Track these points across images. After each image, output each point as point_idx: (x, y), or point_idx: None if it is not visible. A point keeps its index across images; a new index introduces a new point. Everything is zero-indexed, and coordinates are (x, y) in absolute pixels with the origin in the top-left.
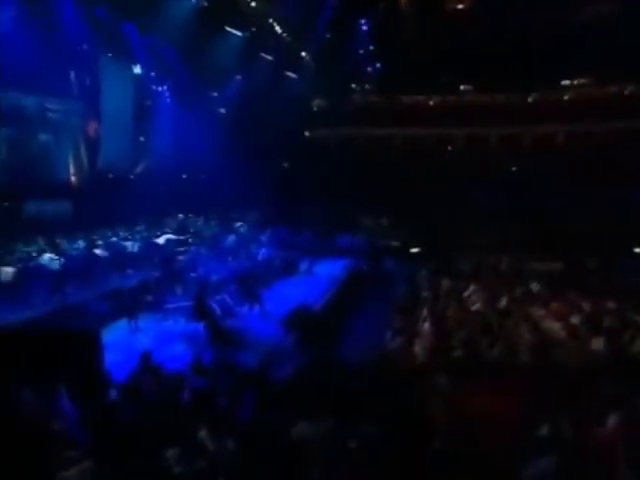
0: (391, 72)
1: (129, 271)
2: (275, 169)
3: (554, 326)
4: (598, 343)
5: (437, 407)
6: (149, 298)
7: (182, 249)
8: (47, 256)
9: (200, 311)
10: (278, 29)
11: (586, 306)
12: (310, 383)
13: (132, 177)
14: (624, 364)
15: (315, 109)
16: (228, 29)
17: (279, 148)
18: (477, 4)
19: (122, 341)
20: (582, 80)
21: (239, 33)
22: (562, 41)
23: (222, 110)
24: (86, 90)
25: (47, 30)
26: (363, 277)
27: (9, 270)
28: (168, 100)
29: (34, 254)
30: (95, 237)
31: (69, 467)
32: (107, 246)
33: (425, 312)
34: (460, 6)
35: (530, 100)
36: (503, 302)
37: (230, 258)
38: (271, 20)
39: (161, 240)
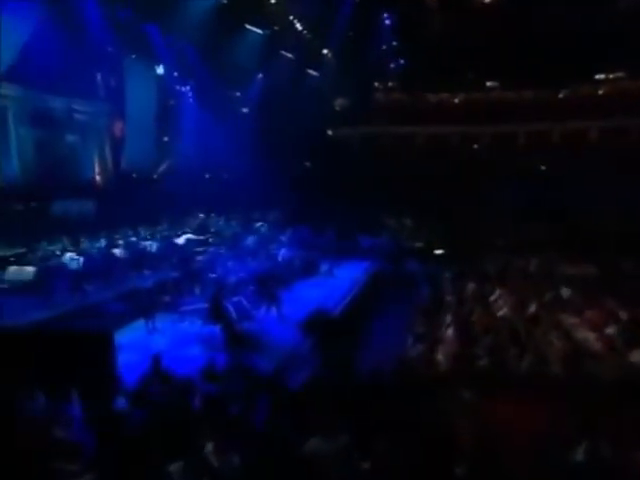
0: (415, 68)
1: (146, 272)
2: (297, 168)
3: (588, 336)
4: (637, 356)
5: (460, 422)
6: (166, 299)
7: (202, 249)
8: (68, 255)
9: (216, 313)
10: (299, 26)
11: (623, 315)
12: (325, 393)
13: (155, 177)
14: None
15: (337, 108)
16: (248, 27)
17: (301, 147)
18: None
19: (139, 342)
20: (617, 74)
21: (259, 31)
22: (596, 34)
23: (244, 109)
24: (111, 91)
25: (73, 33)
26: (385, 279)
27: (30, 269)
28: (191, 100)
29: (58, 253)
30: (116, 237)
31: None
32: (127, 246)
33: (449, 317)
34: (487, 0)
35: (561, 96)
36: (532, 308)
37: (250, 258)
38: (291, 17)
39: (181, 240)
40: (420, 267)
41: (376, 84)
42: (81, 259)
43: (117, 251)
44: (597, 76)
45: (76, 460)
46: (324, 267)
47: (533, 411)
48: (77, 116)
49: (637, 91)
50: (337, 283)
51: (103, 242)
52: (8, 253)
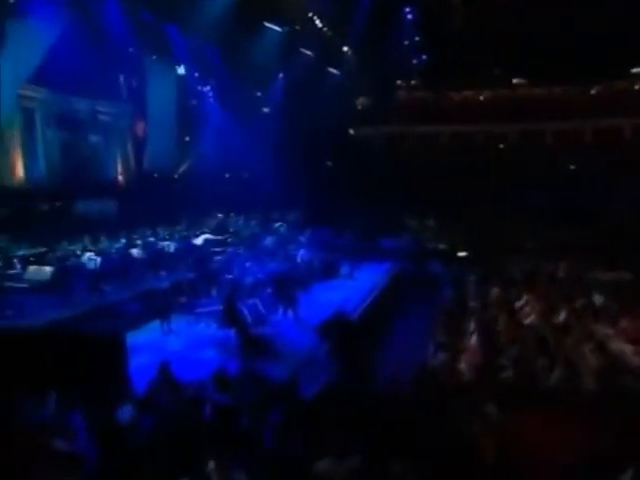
0: (438, 65)
1: (162, 272)
2: (318, 168)
3: (624, 348)
4: None
5: (484, 440)
6: (182, 300)
7: (219, 249)
8: (87, 255)
9: (230, 317)
10: (318, 23)
11: None
12: (340, 406)
13: (176, 177)
14: None
15: (359, 107)
16: (267, 25)
17: (322, 147)
18: None
19: (153, 343)
20: None
21: (278, 29)
22: (631, 25)
23: (265, 109)
24: (133, 92)
25: (96, 36)
26: (406, 282)
27: (47, 269)
28: (211, 100)
29: (78, 252)
30: (134, 237)
31: None
32: (144, 246)
33: (472, 324)
34: None
35: (593, 92)
36: (561, 316)
37: (268, 259)
38: (311, 14)
39: (199, 240)
40: (443, 270)
41: (398, 82)
42: (98, 259)
43: (134, 251)
44: (634, 70)
45: (76, 474)
46: (344, 269)
47: (563, 429)
48: (100, 117)
49: None
50: (357, 285)
51: (122, 242)
52: (30, 252)
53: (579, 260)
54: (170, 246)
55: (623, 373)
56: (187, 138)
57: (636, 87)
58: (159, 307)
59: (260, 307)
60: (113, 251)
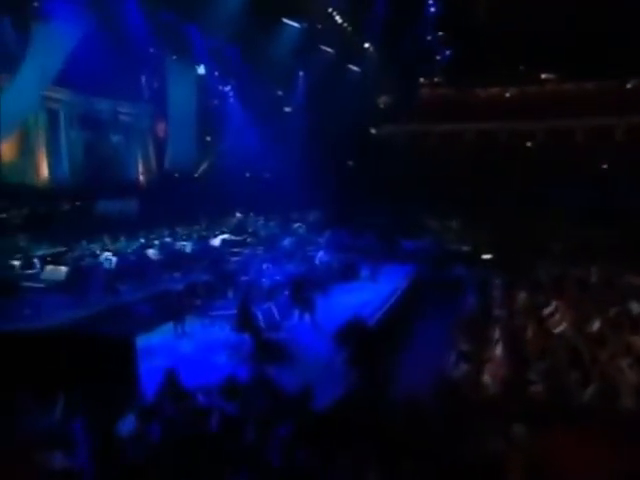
0: (462, 60)
1: (178, 273)
2: (339, 168)
3: None
4: None
5: (510, 461)
6: (197, 302)
7: (237, 250)
8: (104, 255)
9: (243, 321)
10: (338, 19)
11: None
12: (353, 420)
13: (196, 176)
14: None
15: (381, 105)
16: (285, 21)
17: (343, 146)
18: None
19: (166, 346)
20: None
21: (297, 25)
22: None
23: (286, 108)
24: (154, 93)
25: (117, 37)
26: (428, 285)
27: (63, 269)
28: (232, 99)
29: (97, 252)
30: (152, 237)
31: None
32: (161, 246)
33: (497, 332)
34: None
35: (629, 86)
36: (595, 325)
37: (286, 261)
38: (330, 10)
39: (216, 241)
40: (466, 273)
41: (421, 79)
42: (114, 259)
43: (151, 252)
44: None
45: None
46: (364, 271)
47: (598, 451)
48: (122, 118)
49: None
50: (376, 288)
51: (140, 242)
52: (49, 252)
53: (611, 263)
54: (187, 246)
55: None
56: (208, 138)
57: None
58: (173, 309)
59: (275, 312)
60: (129, 251)
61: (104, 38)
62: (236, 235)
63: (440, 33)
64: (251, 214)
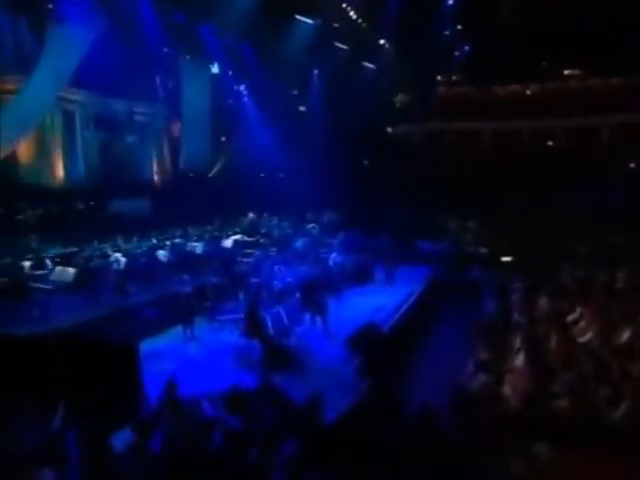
0: (481, 56)
1: (187, 275)
2: (354, 168)
3: None
4: None
5: None
6: (206, 305)
7: (249, 251)
8: (114, 256)
9: (252, 327)
10: (352, 15)
11: None
12: (364, 435)
13: (211, 176)
14: None
15: (397, 104)
16: (298, 17)
17: (359, 146)
18: None
19: (173, 350)
20: None
21: (310, 21)
22: None
23: (301, 108)
24: (169, 93)
25: (131, 38)
26: (445, 289)
27: (71, 270)
28: (246, 99)
29: (108, 252)
30: (163, 237)
31: None
32: (172, 247)
33: (518, 340)
34: None
35: None
36: (625, 335)
37: (298, 262)
38: (344, 5)
39: (228, 242)
40: (484, 276)
41: (438, 77)
42: (123, 260)
43: (161, 253)
44: None
45: None
46: (378, 274)
47: (629, 474)
48: (137, 118)
49: None
50: (391, 292)
51: (151, 242)
52: (59, 252)
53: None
54: (198, 247)
55: None
56: (223, 138)
57: None
58: (182, 312)
59: (284, 316)
60: (140, 252)
61: (118, 39)
62: (249, 236)
63: (458, 27)
64: (265, 214)
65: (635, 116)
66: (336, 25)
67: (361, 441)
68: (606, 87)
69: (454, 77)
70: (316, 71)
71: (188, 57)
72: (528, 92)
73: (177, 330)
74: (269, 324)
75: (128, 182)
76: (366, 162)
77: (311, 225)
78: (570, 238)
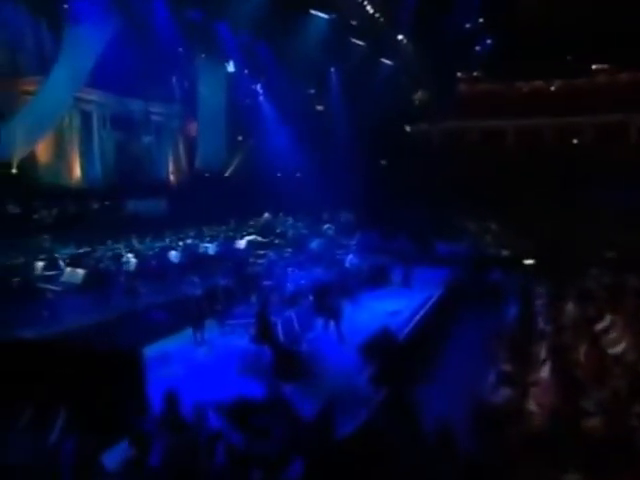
0: (504, 50)
1: (199, 277)
2: (372, 167)
3: None
4: None
5: None
6: (217, 307)
7: (262, 252)
8: (125, 257)
9: (262, 332)
10: (369, 9)
11: None
12: (377, 454)
13: (227, 176)
14: None
15: (416, 102)
16: (313, 12)
17: (376, 145)
18: None
19: (183, 354)
20: None
21: (325, 16)
22: None
23: (318, 106)
24: (185, 92)
25: (147, 37)
26: (464, 293)
27: (80, 272)
28: (262, 98)
29: (121, 253)
30: (177, 237)
31: None
32: (185, 248)
33: (544, 351)
34: None
35: None
36: None
37: (313, 264)
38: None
39: (242, 242)
40: (506, 280)
41: (459, 74)
42: (134, 261)
43: (173, 254)
44: None
45: None
46: (395, 276)
47: None
48: (153, 117)
49: None
50: (408, 295)
51: (164, 243)
52: (72, 252)
53: None
54: (211, 248)
55: None
56: (240, 137)
57: None
58: (192, 315)
59: (296, 322)
60: (152, 253)
61: (134, 39)
62: (263, 236)
63: (480, 20)
64: (280, 214)
65: None
66: (352, 20)
67: (374, 459)
68: (636, 82)
69: (475, 73)
70: (332, 69)
71: (203, 56)
72: (552, 88)
73: (187, 333)
74: (280, 330)
75: (144, 182)
76: (384, 161)
77: (327, 226)
78: (596, 241)
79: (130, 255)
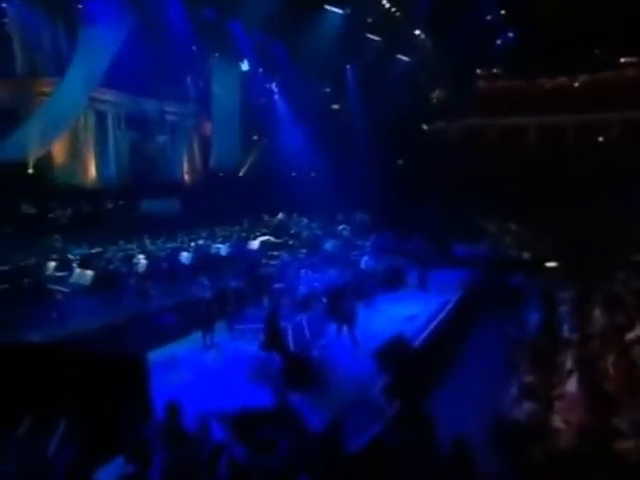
0: (527, 44)
1: (210, 279)
2: (388, 167)
3: None
4: None
5: None
6: (228, 310)
7: (276, 253)
8: (135, 259)
9: (271, 338)
10: (385, 3)
11: None
12: (388, 471)
13: (241, 175)
14: None
15: (434, 99)
16: (327, 7)
17: (393, 144)
18: None
19: (191, 358)
20: None
21: (340, 11)
22: None
23: (333, 105)
24: (199, 91)
25: (161, 37)
26: (483, 298)
27: (89, 273)
28: (277, 97)
29: (133, 254)
30: (189, 238)
31: None
32: (197, 249)
33: (570, 362)
34: None
35: None
36: None
37: (327, 266)
38: None
39: (255, 243)
40: (528, 283)
41: (478, 70)
42: (144, 263)
43: (185, 255)
44: None
45: None
46: (412, 278)
47: None
48: (168, 117)
49: None
50: (425, 299)
51: (176, 244)
52: (83, 253)
53: None
54: (223, 249)
55: None
56: (254, 136)
57: None
58: (202, 318)
59: (307, 327)
60: (163, 254)
61: (148, 38)
62: (276, 237)
63: (502, 11)
64: (294, 214)
65: None
66: (368, 15)
67: (385, 478)
68: None
69: (495, 70)
70: (348, 66)
71: (217, 55)
72: (577, 84)
73: (196, 336)
74: (290, 336)
75: (158, 182)
76: (400, 161)
77: (342, 226)
78: (623, 243)
79: (141, 256)
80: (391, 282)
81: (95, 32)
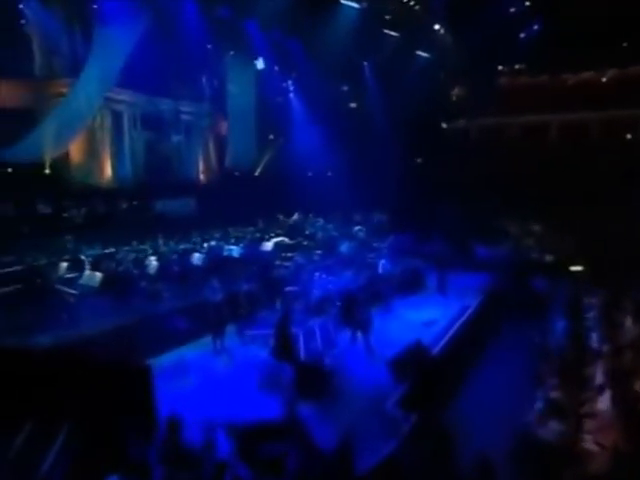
0: (553, 37)
1: (222, 282)
2: (406, 166)
3: None
4: None
5: None
6: (239, 314)
7: (290, 255)
8: (147, 260)
9: (282, 346)
10: None
11: None
12: None
13: (257, 175)
14: None
15: (453, 97)
16: (343, 2)
17: (411, 143)
18: None
19: (201, 363)
20: None
21: (356, 5)
22: None
23: (350, 104)
24: (214, 91)
25: (176, 37)
26: (504, 303)
27: (97, 275)
28: (293, 95)
29: (145, 254)
30: (199, 239)
31: None
32: (209, 250)
33: (600, 376)
34: None
35: None
36: None
37: (342, 268)
38: None
39: (269, 244)
40: (552, 288)
41: (500, 67)
42: (155, 264)
43: (197, 256)
44: None
45: None
46: (430, 281)
47: None
48: (183, 117)
49: None
50: (444, 303)
51: (189, 245)
52: (96, 253)
53: None
54: (235, 250)
55: None
56: (270, 136)
57: None
58: (212, 322)
59: (319, 334)
60: (174, 256)
61: (163, 38)
62: (291, 238)
63: (527, 3)
64: (310, 215)
65: None
66: (385, 9)
67: None
68: None
69: (517, 66)
70: (365, 63)
71: (232, 53)
72: (603, 79)
73: (206, 340)
74: (301, 344)
75: (174, 181)
76: (419, 160)
77: (358, 227)
78: None
79: (152, 258)
80: (409, 286)
81: (110, 32)
